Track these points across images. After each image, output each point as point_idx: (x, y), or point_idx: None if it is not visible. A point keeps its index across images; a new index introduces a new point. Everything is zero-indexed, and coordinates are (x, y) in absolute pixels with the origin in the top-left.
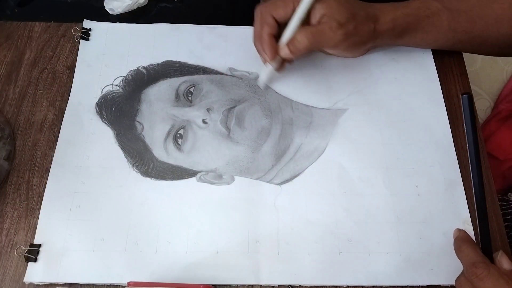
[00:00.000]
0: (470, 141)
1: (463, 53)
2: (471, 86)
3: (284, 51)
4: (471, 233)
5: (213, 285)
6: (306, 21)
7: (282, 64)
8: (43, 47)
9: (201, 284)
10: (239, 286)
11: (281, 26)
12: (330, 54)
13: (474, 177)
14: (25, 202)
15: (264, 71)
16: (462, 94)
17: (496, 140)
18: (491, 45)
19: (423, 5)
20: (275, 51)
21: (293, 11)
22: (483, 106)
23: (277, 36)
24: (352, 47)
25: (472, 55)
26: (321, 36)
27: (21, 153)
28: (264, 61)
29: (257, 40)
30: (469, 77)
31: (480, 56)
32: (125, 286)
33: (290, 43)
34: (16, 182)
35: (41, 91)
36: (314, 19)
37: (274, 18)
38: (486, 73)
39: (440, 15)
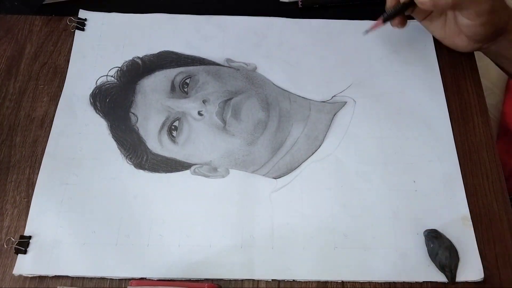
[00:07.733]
0: None
1: None
2: (482, 80)
3: None
4: (471, 231)
5: (211, 280)
6: None
7: (401, 20)
8: (43, 41)
9: (205, 283)
10: (232, 280)
11: None
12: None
13: None
14: (25, 200)
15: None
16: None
17: None
18: None
19: None
20: None
21: None
22: (493, 101)
23: None
24: (491, 18)
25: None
26: None
27: (22, 149)
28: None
29: None
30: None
31: None
32: (117, 279)
33: None
34: (17, 179)
35: (41, 86)
36: None
37: None
38: (495, 67)
39: None
